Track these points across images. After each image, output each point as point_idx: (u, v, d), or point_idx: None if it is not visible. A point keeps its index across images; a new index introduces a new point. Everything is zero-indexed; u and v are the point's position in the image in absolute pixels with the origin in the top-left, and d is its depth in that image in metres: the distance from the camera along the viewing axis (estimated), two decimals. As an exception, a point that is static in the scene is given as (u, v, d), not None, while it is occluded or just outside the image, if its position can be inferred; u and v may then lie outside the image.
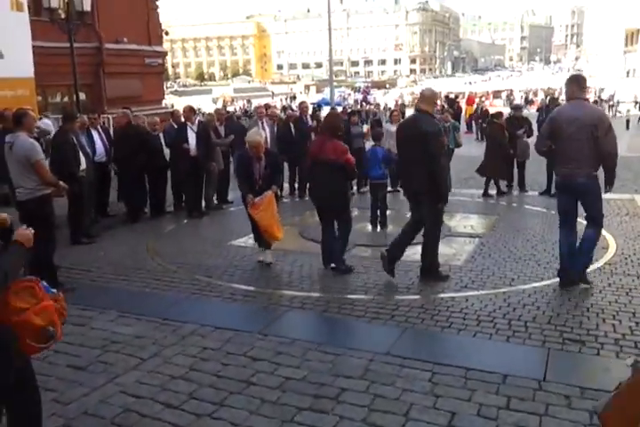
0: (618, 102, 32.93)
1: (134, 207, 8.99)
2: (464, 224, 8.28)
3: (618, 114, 29.89)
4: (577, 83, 5.18)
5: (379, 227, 8.09)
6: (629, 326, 4.43)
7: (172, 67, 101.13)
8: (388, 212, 8.18)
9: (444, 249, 6.95)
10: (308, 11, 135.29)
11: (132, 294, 5.51)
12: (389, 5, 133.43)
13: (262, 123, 10.46)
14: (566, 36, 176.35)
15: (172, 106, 41.03)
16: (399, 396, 3.44)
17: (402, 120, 8.30)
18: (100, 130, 8.99)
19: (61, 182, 5.62)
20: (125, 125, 9.14)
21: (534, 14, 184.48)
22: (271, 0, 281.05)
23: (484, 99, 33.93)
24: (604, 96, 35.85)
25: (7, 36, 14.75)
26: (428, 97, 5.64)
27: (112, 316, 4.85)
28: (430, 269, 5.65)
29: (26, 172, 5.26)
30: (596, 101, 21.63)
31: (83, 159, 7.16)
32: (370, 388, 3.53)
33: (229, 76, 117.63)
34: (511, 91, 46.54)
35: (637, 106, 31.04)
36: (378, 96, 53.05)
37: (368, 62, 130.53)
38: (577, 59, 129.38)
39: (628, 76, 57.99)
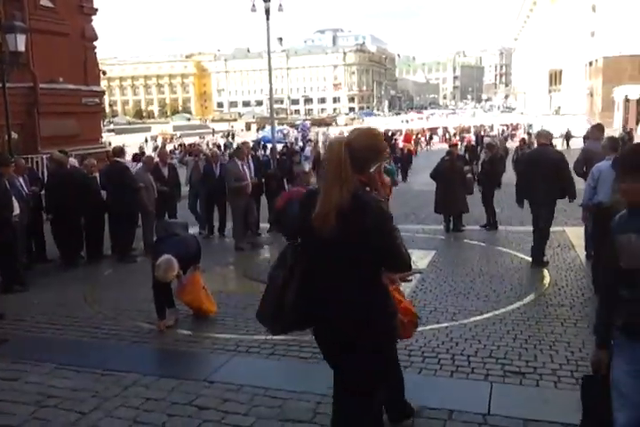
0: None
1: (70, 252, 8.70)
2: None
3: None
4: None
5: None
6: (565, 356, 4.61)
7: (110, 105, 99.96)
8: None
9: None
10: (248, 50, 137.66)
11: (69, 344, 5.30)
12: (328, 47, 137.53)
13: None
14: (496, 75, 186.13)
15: (110, 144, 40.54)
16: (348, 438, 3.42)
17: None
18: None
19: None
20: (60, 172, 8.87)
21: (465, 55, 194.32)
22: (211, 40, 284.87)
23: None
24: (533, 131, 37.70)
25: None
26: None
27: (48, 368, 4.62)
28: None
29: None
30: (523, 139, 22.75)
31: (16, 204, 6.94)
32: (319, 431, 3.51)
33: (169, 113, 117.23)
34: (446, 128, 48.35)
35: (564, 141, 32.72)
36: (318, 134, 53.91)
37: (308, 101, 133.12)
38: (506, 97, 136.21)
39: (555, 113, 61.31)
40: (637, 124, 32.96)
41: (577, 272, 7.28)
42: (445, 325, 5.44)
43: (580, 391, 2.88)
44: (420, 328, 5.27)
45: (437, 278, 7.23)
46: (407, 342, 4.94)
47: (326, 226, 2.41)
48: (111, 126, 67.88)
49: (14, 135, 14.66)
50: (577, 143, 22.57)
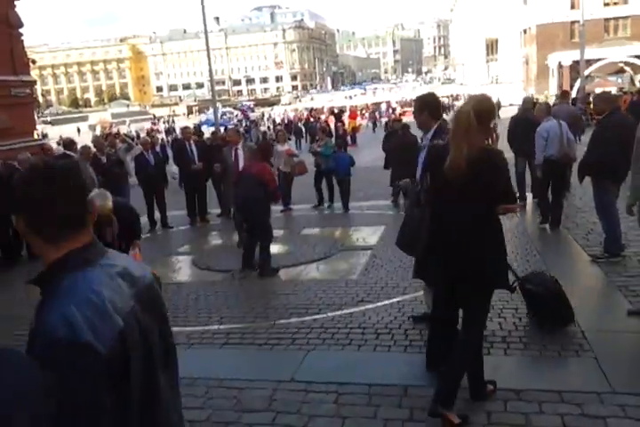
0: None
1: (11, 251, 8.36)
2: (356, 237, 8.49)
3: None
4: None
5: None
6: (514, 322, 4.73)
7: (43, 95, 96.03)
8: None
9: (341, 264, 7.11)
10: (185, 31, 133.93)
11: None
12: (266, 24, 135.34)
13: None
14: (434, 47, 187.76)
15: (46, 136, 38.94)
16: (306, 423, 3.43)
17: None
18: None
19: None
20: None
21: (404, 28, 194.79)
22: (145, 22, 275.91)
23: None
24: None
25: None
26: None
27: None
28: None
29: None
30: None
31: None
32: (276, 419, 3.50)
33: (106, 101, 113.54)
34: (389, 102, 48.64)
35: (499, 109, 33.50)
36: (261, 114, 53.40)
37: (250, 81, 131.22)
38: (446, 68, 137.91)
39: (492, 82, 62.51)
40: (571, 88, 33.89)
41: (522, 240, 7.44)
42: (397, 299, 5.49)
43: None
44: (371, 305, 5.37)
45: (387, 254, 7.27)
46: (360, 320, 5.00)
47: (459, 172, 3.06)
48: (47, 118, 65.23)
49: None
50: (508, 112, 22.81)
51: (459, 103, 41.41)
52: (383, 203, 10.82)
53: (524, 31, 55.41)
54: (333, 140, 13.43)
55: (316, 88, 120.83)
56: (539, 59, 48.85)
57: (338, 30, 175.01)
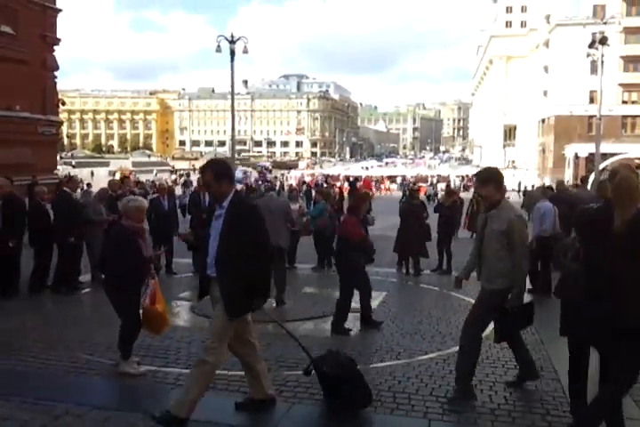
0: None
1: (11, 281, 8.35)
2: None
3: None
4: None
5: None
6: (504, 396, 4.67)
7: (68, 137, 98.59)
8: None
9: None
10: (213, 91, 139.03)
11: (0, 373, 5.08)
12: (292, 92, 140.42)
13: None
14: (454, 128, 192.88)
15: (66, 176, 39.81)
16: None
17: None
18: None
19: None
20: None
21: (425, 108, 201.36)
22: (176, 78, 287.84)
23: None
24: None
25: None
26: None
27: (-26, 397, 4.41)
28: None
29: None
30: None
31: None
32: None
33: (129, 149, 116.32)
34: (404, 176, 49.48)
35: (520, 193, 33.94)
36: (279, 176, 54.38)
37: (271, 143, 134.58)
38: (463, 149, 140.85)
39: (507, 167, 63.62)
40: (586, 180, 34.51)
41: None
42: (389, 363, 5.45)
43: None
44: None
45: (385, 318, 7.27)
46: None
47: (620, 232, 3.32)
48: (71, 161, 66.75)
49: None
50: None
51: (473, 184, 42.07)
52: (387, 270, 10.85)
53: (543, 121, 57.03)
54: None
55: (334, 156, 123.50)
56: (556, 148, 49.98)
57: (361, 104, 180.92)
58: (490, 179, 4.61)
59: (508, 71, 74.12)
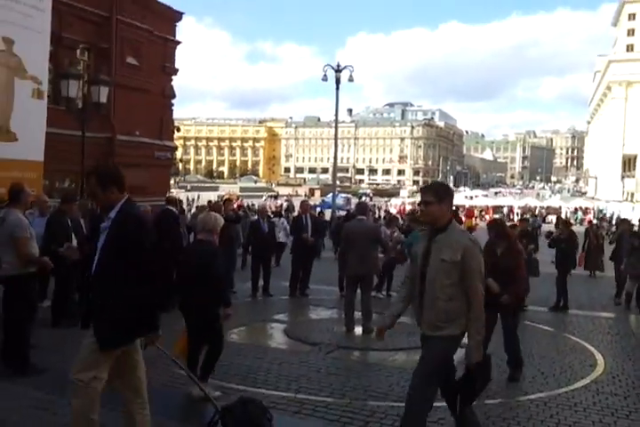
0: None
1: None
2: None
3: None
4: None
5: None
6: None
7: (181, 161, 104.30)
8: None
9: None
10: (319, 120, 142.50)
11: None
12: (396, 120, 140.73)
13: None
14: (567, 158, 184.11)
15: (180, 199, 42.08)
16: None
17: None
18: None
19: (46, 259, 5.59)
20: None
21: (535, 136, 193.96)
22: (284, 107, 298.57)
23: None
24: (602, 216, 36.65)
25: (24, 121, 15.57)
26: None
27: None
28: None
29: (9, 247, 5.28)
30: (590, 222, 22.04)
31: (74, 241, 7.18)
32: None
33: (237, 175, 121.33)
34: (512, 207, 47.58)
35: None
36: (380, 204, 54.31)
37: (373, 171, 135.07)
38: (577, 180, 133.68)
39: (626, 199, 59.64)
40: None
41: (635, 362, 6.79)
42: (485, 402, 5.13)
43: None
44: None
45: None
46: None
47: None
48: (186, 185, 70.70)
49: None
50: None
51: (588, 217, 39.44)
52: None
53: (666, 151, 53.07)
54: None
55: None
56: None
57: (467, 132, 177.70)
58: (446, 195, 3.72)
59: (628, 97, 69.94)
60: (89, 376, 3.29)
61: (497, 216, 42.72)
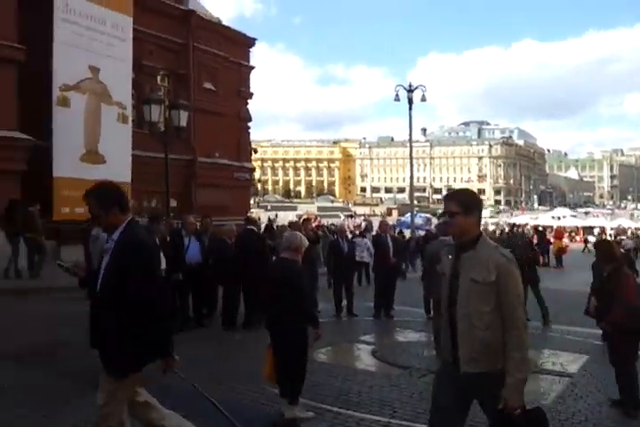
0: None
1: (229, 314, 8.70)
2: (552, 361, 7.64)
3: None
4: None
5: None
6: None
7: (260, 182, 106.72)
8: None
9: (530, 386, 6.37)
10: (392, 139, 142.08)
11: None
12: (473, 138, 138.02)
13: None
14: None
15: (259, 219, 42.84)
16: None
17: None
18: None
19: None
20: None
21: (623, 154, 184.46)
22: (357, 127, 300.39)
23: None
24: None
25: (111, 145, 16.38)
26: None
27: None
28: None
29: None
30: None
31: (163, 259, 7.24)
32: None
33: (314, 194, 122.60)
34: (603, 228, 45.22)
35: None
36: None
37: (451, 191, 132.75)
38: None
39: None
40: None
41: None
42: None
43: None
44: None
45: (588, 385, 6.40)
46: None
47: None
48: (267, 205, 72.12)
49: (173, 202, 16.01)
50: None
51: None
52: (588, 331, 9.62)
53: None
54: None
55: (521, 204, 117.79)
56: None
57: (548, 150, 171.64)
58: (475, 206, 3.16)
59: None
60: (115, 404, 3.23)
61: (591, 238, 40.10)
